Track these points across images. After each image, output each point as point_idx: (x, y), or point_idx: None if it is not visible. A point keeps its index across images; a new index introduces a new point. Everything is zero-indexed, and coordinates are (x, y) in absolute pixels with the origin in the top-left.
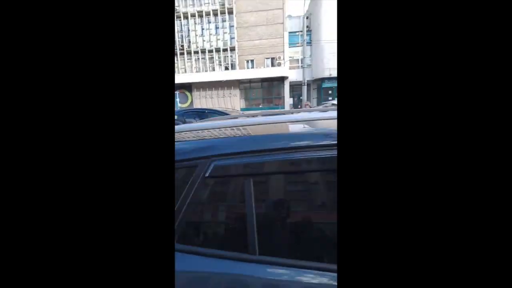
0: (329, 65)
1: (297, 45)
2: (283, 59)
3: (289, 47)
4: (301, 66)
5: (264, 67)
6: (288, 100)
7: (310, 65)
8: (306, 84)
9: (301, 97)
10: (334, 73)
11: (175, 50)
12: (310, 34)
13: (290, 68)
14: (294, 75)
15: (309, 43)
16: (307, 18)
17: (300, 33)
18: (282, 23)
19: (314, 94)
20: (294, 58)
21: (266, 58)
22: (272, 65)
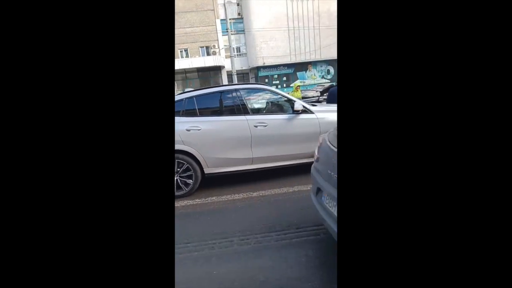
0: (262, 54)
1: (231, 32)
2: (218, 47)
3: (223, 35)
4: (235, 55)
5: (200, 56)
6: None
7: (245, 53)
8: (235, 74)
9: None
10: (268, 62)
11: None
12: (242, 22)
13: (226, 57)
14: (230, 64)
15: (242, 31)
16: (238, 5)
17: (232, 20)
18: (213, 9)
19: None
20: (228, 46)
21: (201, 47)
22: (208, 54)
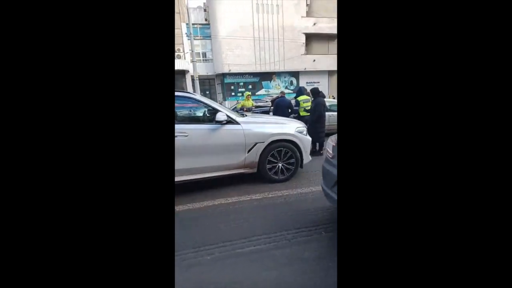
0: (227, 61)
1: (197, 38)
2: (183, 51)
3: (188, 39)
4: (201, 60)
5: None
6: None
7: (211, 59)
8: (197, 79)
9: (207, 92)
10: (233, 69)
11: None
12: (209, 28)
13: (192, 61)
14: (196, 69)
15: (209, 37)
16: (205, 10)
17: (199, 25)
18: (179, 12)
19: (218, 89)
20: (195, 51)
21: None
22: None
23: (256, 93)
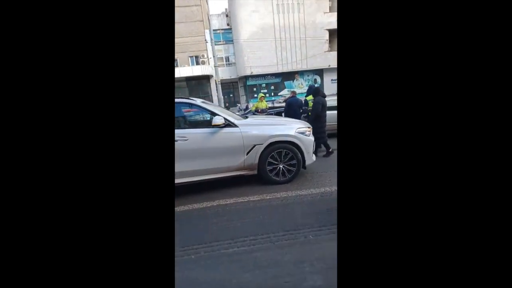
0: (249, 63)
1: (220, 43)
2: (207, 57)
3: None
4: (225, 65)
5: (189, 65)
6: (218, 98)
7: (234, 63)
8: (219, 83)
9: (230, 95)
10: (255, 71)
11: None
12: (231, 32)
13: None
14: (219, 73)
15: (231, 41)
16: (227, 16)
17: (222, 31)
18: (202, 20)
19: (242, 91)
20: (218, 56)
21: (190, 57)
22: (197, 63)
23: (279, 94)
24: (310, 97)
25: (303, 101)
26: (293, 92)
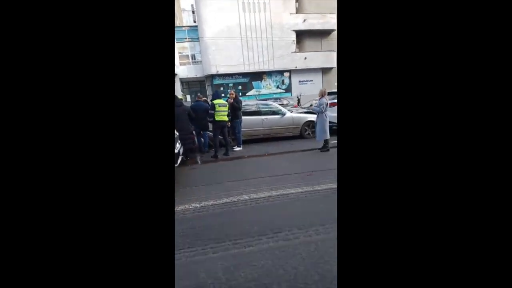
0: (215, 62)
1: (185, 40)
2: None
3: (177, 42)
4: (191, 62)
5: None
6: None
7: (200, 61)
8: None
9: (198, 93)
10: (221, 70)
11: None
12: (197, 30)
13: (181, 64)
14: (185, 72)
15: (197, 39)
16: (193, 12)
17: (187, 28)
18: None
19: (209, 90)
20: (184, 53)
21: None
22: None
23: (247, 94)
24: (219, 101)
25: (209, 105)
26: (199, 96)
